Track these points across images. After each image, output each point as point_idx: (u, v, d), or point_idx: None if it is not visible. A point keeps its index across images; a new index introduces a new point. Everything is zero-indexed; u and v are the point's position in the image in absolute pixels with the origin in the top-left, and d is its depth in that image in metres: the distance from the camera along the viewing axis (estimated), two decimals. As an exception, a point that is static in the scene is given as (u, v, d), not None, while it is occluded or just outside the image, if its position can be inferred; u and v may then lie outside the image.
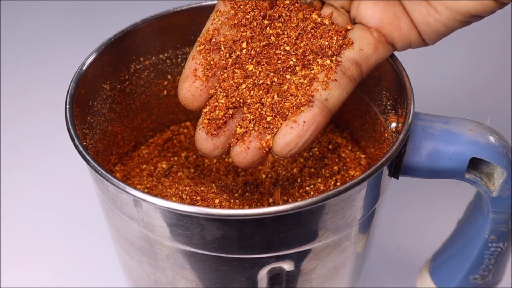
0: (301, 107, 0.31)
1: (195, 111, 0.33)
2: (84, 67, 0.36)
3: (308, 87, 0.31)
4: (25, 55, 0.71)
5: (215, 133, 0.31)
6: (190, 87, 0.32)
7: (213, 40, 0.32)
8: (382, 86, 0.38)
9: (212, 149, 0.32)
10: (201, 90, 0.32)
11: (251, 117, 0.32)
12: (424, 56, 0.66)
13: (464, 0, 0.29)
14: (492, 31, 0.68)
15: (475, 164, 0.35)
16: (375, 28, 0.32)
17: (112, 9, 0.76)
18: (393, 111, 0.37)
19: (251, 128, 0.31)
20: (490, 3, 0.28)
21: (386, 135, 0.37)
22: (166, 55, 0.41)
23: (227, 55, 0.32)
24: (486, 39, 0.69)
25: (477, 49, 0.69)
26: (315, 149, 0.41)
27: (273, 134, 0.31)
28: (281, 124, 0.31)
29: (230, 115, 0.32)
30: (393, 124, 0.37)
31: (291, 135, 0.31)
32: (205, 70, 0.32)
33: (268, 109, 0.31)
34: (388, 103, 0.37)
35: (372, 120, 0.39)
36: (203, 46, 0.32)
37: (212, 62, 0.32)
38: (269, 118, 0.31)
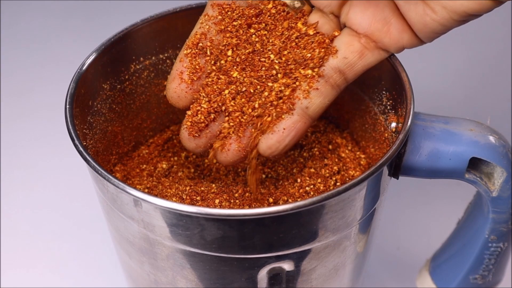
0: (281, 115, 0.32)
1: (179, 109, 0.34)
2: (84, 67, 0.36)
3: (289, 95, 0.32)
4: (25, 55, 0.71)
5: (197, 135, 0.34)
6: (176, 89, 0.33)
7: (200, 44, 0.33)
8: (382, 86, 0.38)
9: (195, 148, 0.34)
10: (186, 92, 0.33)
11: (232, 124, 0.33)
12: (424, 56, 0.66)
13: (461, 0, 0.29)
14: (492, 30, 0.68)
15: (475, 164, 0.35)
16: (364, 34, 0.32)
17: (112, 9, 0.76)
18: (393, 111, 0.37)
19: (231, 132, 0.33)
20: (487, 2, 0.28)
21: (386, 135, 0.37)
22: (166, 55, 0.41)
23: (213, 61, 0.33)
24: (486, 39, 0.69)
25: (477, 49, 0.69)
26: (315, 149, 0.41)
27: (253, 136, 0.33)
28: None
29: (212, 119, 0.33)
30: (393, 124, 0.37)
31: (271, 140, 0.33)
32: (191, 74, 0.33)
33: (248, 118, 0.33)
34: (388, 103, 0.37)
35: (372, 120, 0.39)
36: (190, 50, 0.34)
37: (197, 67, 0.33)
38: (248, 127, 0.33)
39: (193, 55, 0.33)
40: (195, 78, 0.33)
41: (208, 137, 0.34)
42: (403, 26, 0.31)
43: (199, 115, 0.33)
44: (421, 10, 0.30)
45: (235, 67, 0.33)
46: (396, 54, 0.35)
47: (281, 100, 0.33)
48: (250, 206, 0.36)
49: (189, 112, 0.34)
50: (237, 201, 0.36)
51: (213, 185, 0.38)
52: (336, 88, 0.33)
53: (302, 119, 0.32)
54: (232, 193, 0.36)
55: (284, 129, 0.32)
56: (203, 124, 0.33)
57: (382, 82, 0.38)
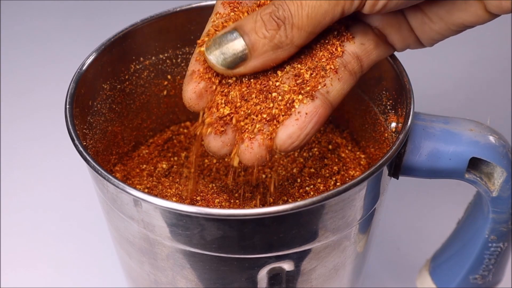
0: (303, 100, 0.31)
1: (196, 112, 0.33)
2: (84, 67, 0.36)
3: (310, 78, 0.31)
4: (25, 55, 0.71)
5: (223, 129, 0.31)
6: (196, 88, 0.32)
7: None
8: (382, 86, 0.38)
9: (221, 147, 0.32)
10: (206, 90, 0.32)
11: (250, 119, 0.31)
12: (424, 56, 0.66)
13: (457, 12, 0.29)
14: (492, 31, 0.68)
15: (475, 164, 0.35)
16: (375, 27, 0.32)
17: (112, 9, 0.76)
18: (393, 111, 0.37)
19: (251, 127, 0.31)
20: (483, 15, 0.29)
21: (386, 135, 0.37)
22: (166, 55, 0.41)
23: None
24: (486, 39, 0.69)
25: (477, 49, 0.69)
26: (315, 149, 0.41)
27: (274, 128, 0.31)
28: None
29: (235, 110, 0.31)
30: (393, 124, 0.37)
31: (293, 127, 0.30)
32: (209, 72, 0.31)
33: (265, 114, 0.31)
34: (388, 103, 0.37)
35: (372, 120, 0.39)
36: None
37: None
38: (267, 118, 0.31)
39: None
40: (213, 76, 0.31)
41: (234, 131, 0.31)
42: (411, 28, 0.31)
43: (221, 109, 0.31)
44: (420, 19, 0.30)
45: None
46: (396, 54, 0.35)
47: (303, 84, 0.31)
48: (250, 206, 0.36)
49: (207, 110, 0.32)
50: (237, 201, 0.36)
51: (213, 185, 0.38)
52: (353, 76, 0.32)
53: (323, 104, 0.31)
54: (232, 193, 0.36)
55: (306, 113, 0.30)
56: (228, 117, 0.31)
57: (382, 82, 0.38)
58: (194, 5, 0.39)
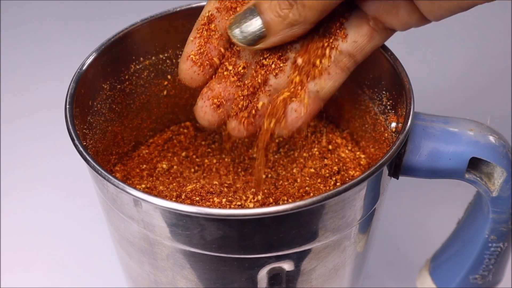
0: (293, 98, 0.33)
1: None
2: (84, 67, 0.36)
3: (301, 81, 0.33)
4: (25, 55, 0.71)
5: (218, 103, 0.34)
6: (189, 71, 0.34)
7: (211, 25, 0.33)
8: (382, 86, 0.38)
9: (210, 122, 0.34)
10: (198, 74, 0.34)
11: (246, 92, 0.34)
12: (424, 56, 0.66)
13: None
14: (492, 30, 0.68)
15: (475, 164, 0.35)
16: (372, 16, 0.32)
17: (112, 9, 0.76)
18: (393, 111, 0.37)
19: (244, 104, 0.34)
20: None
21: (386, 135, 0.37)
22: (166, 55, 0.41)
23: (224, 42, 0.33)
24: (486, 38, 0.69)
25: (477, 49, 0.69)
26: (315, 149, 0.41)
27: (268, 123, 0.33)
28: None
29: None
30: (393, 124, 0.37)
31: (285, 122, 0.33)
32: (202, 57, 0.33)
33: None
34: (388, 103, 0.37)
35: (372, 120, 0.39)
36: (202, 29, 0.33)
37: (209, 46, 0.33)
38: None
39: (204, 36, 0.33)
40: (206, 62, 0.33)
41: (228, 106, 0.34)
42: (412, 8, 0.31)
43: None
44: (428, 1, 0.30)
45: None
46: (396, 54, 0.35)
47: (292, 85, 0.33)
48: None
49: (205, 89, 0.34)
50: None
51: (213, 185, 0.38)
52: (346, 71, 0.33)
53: (314, 101, 0.33)
54: (232, 193, 0.36)
55: (295, 110, 0.33)
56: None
57: (382, 82, 0.38)
58: (194, 5, 0.39)
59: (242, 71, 0.34)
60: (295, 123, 0.33)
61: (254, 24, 0.31)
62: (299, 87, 0.33)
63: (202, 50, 0.33)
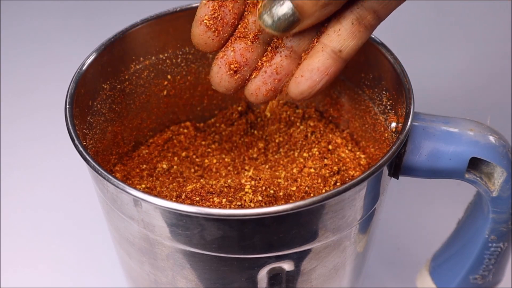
0: (313, 56, 0.31)
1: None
2: (84, 67, 0.36)
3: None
4: (25, 55, 0.71)
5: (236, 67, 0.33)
6: (203, 36, 0.32)
7: None
8: (382, 86, 0.38)
9: (229, 86, 0.33)
10: (212, 39, 0.32)
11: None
12: (424, 56, 0.66)
13: None
14: (492, 30, 0.68)
15: (475, 164, 0.35)
16: None
17: (112, 9, 0.76)
18: (393, 111, 0.37)
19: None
20: None
21: (386, 135, 0.37)
22: (166, 55, 0.41)
23: (239, 4, 0.32)
24: (486, 38, 0.69)
25: (477, 49, 0.69)
26: (315, 149, 0.41)
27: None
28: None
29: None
30: (393, 124, 0.37)
31: (304, 86, 0.32)
32: (217, 20, 0.32)
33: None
34: (388, 103, 0.37)
35: (372, 120, 0.39)
36: None
37: (224, 10, 0.32)
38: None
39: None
40: (221, 27, 0.32)
41: (245, 71, 0.33)
42: None
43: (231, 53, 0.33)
44: None
45: None
46: (396, 54, 0.35)
47: (313, 45, 0.32)
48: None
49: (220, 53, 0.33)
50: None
51: (213, 185, 0.38)
52: (369, 29, 0.32)
53: (335, 63, 0.32)
54: (232, 193, 0.36)
55: (318, 69, 0.32)
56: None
57: (382, 82, 0.38)
58: (194, 5, 0.39)
59: (260, 33, 0.32)
60: (317, 84, 0.32)
61: (285, 9, 0.30)
62: (320, 47, 0.32)
63: (216, 14, 0.32)
